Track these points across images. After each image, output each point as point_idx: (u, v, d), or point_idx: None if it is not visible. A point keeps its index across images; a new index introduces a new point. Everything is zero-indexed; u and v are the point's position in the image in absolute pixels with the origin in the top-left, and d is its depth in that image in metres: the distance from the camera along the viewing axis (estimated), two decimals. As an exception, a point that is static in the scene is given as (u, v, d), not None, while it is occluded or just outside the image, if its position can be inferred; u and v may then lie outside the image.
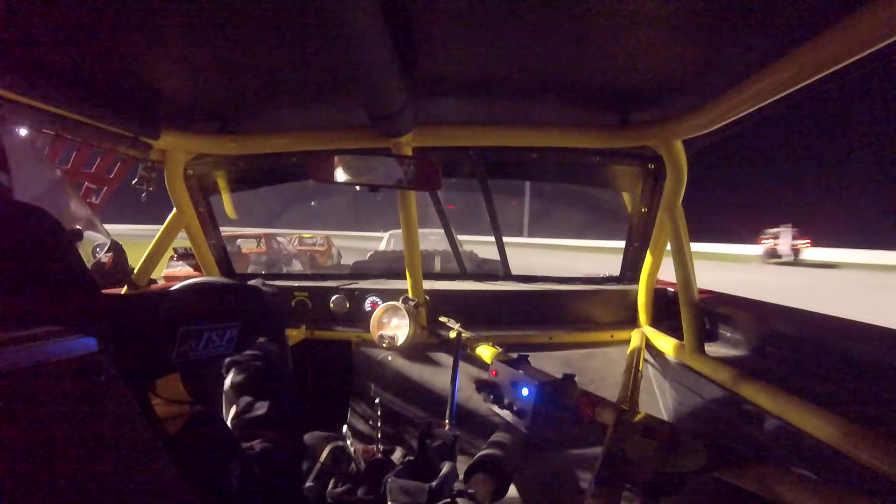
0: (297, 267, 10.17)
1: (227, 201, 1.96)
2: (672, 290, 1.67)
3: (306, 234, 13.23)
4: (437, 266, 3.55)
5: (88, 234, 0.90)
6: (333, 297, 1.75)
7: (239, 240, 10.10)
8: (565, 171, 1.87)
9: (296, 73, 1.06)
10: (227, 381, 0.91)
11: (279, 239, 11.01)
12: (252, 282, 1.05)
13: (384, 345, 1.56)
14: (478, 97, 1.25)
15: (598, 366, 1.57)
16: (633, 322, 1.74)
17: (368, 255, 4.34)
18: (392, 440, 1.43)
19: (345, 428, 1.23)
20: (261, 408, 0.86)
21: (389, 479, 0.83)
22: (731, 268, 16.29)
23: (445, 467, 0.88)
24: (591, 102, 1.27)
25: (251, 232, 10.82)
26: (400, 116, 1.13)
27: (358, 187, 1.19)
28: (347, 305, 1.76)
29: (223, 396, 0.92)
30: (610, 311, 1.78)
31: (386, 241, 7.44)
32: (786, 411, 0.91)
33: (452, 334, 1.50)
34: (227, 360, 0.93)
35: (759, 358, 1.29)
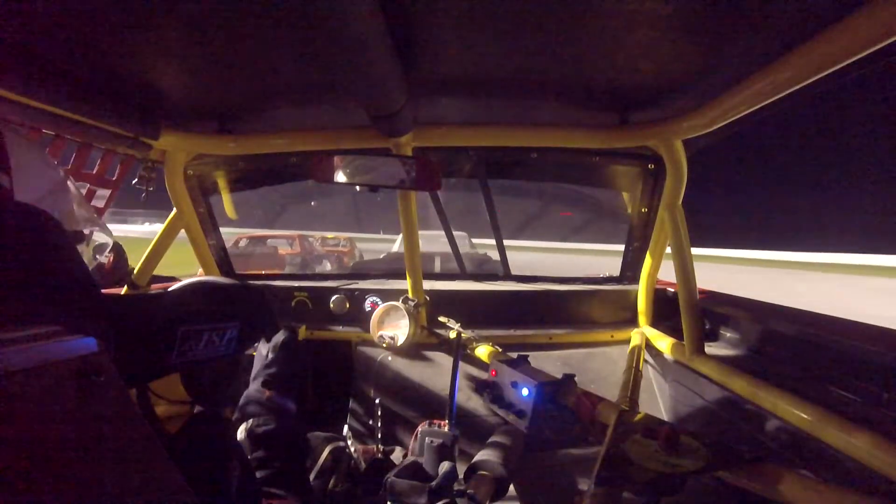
0: (327, 267, 10.70)
1: (227, 201, 1.96)
2: (672, 290, 1.67)
3: (329, 234, 13.72)
4: (438, 267, 3.58)
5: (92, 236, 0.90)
6: (333, 298, 1.75)
7: (269, 240, 10.52)
8: (565, 171, 1.87)
9: (296, 73, 1.06)
10: (242, 430, 0.92)
11: (309, 240, 11.55)
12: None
13: (384, 345, 1.56)
14: (478, 97, 1.25)
15: (598, 366, 1.57)
16: (633, 322, 1.73)
17: (382, 255, 4.68)
18: (392, 440, 1.43)
19: (345, 428, 1.23)
20: (275, 465, 0.87)
21: (389, 479, 0.83)
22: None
23: (445, 467, 0.88)
24: (591, 102, 1.27)
25: (283, 233, 11.33)
26: (400, 116, 1.13)
27: (358, 188, 1.20)
28: (347, 305, 1.76)
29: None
30: (610, 312, 1.78)
31: (399, 242, 7.87)
32: (786, 411, 0.91)
33: (452, 334, 1.50)
34: (243, 404, 0.95)
35: (759, 358, 1.29)
